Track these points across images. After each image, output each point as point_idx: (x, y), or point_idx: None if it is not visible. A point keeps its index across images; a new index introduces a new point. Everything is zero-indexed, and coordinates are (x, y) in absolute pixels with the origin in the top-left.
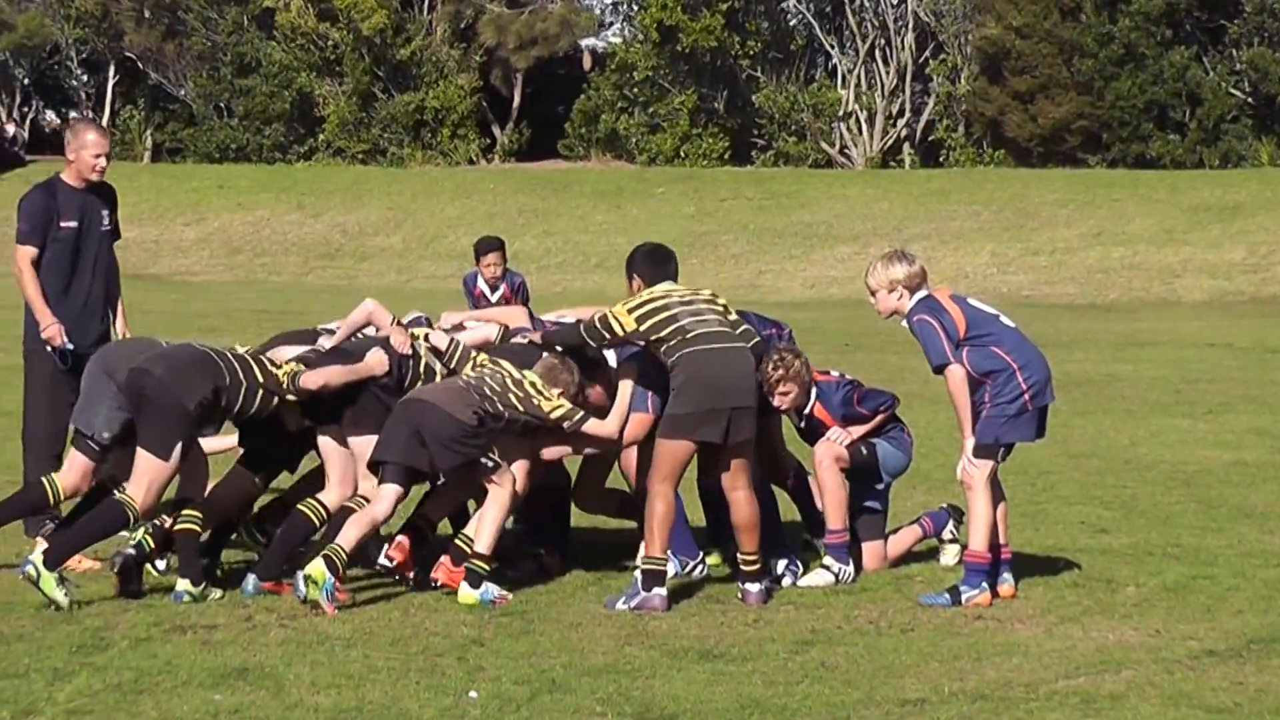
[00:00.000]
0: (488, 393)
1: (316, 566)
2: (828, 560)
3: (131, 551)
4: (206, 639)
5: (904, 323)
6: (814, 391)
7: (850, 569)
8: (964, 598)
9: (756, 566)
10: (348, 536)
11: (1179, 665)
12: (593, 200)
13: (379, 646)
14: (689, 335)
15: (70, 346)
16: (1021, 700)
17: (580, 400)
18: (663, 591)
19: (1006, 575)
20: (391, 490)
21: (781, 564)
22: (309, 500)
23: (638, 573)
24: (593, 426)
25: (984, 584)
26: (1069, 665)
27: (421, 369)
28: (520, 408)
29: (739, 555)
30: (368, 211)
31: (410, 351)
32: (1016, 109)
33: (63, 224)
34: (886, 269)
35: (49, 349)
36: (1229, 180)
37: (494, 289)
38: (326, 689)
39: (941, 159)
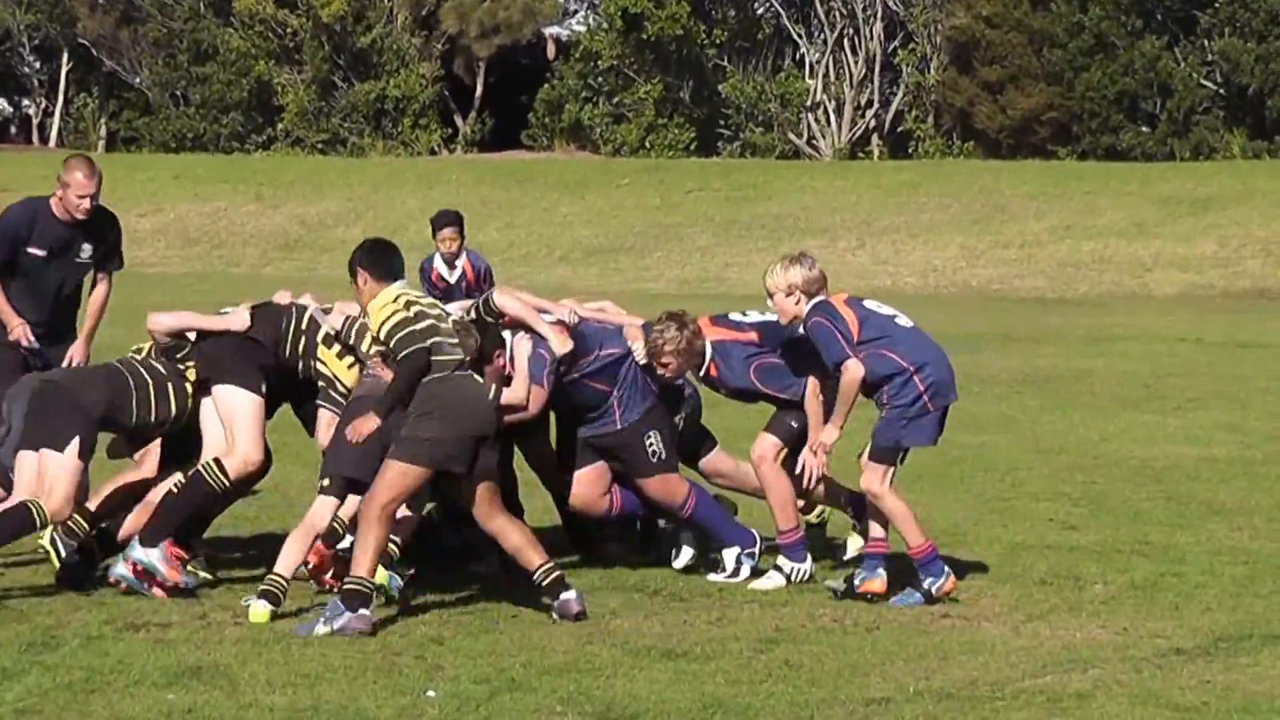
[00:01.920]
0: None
1: (258, 612)
2: (780, 560)
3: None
4: (160, 637)
5: (800, 328)
6: (709, 351)
7: (806, 566)
8: (933, 589)
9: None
10: (287, 561)
11: (1146, 663)
12: (557, 191)
13: (335, 645)
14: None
15: (37, 346)
16: (987, 699)
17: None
18: (367, 613)
19: (881, 570)
20: (329, 503)
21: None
22: (209, 462)
23: (337, 594)
24: (505, 395)
25: (944, 569)
26: (1035, 664)
27: (319, 337)
28: None
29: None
30: (328, 202)
31: (289, 306)
32: (986, 100)
33: (29, 249)
34: (785, 272)
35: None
36: (1200, 173)
37: (451, 265)
38: (282, 688)
39: (911, 150)
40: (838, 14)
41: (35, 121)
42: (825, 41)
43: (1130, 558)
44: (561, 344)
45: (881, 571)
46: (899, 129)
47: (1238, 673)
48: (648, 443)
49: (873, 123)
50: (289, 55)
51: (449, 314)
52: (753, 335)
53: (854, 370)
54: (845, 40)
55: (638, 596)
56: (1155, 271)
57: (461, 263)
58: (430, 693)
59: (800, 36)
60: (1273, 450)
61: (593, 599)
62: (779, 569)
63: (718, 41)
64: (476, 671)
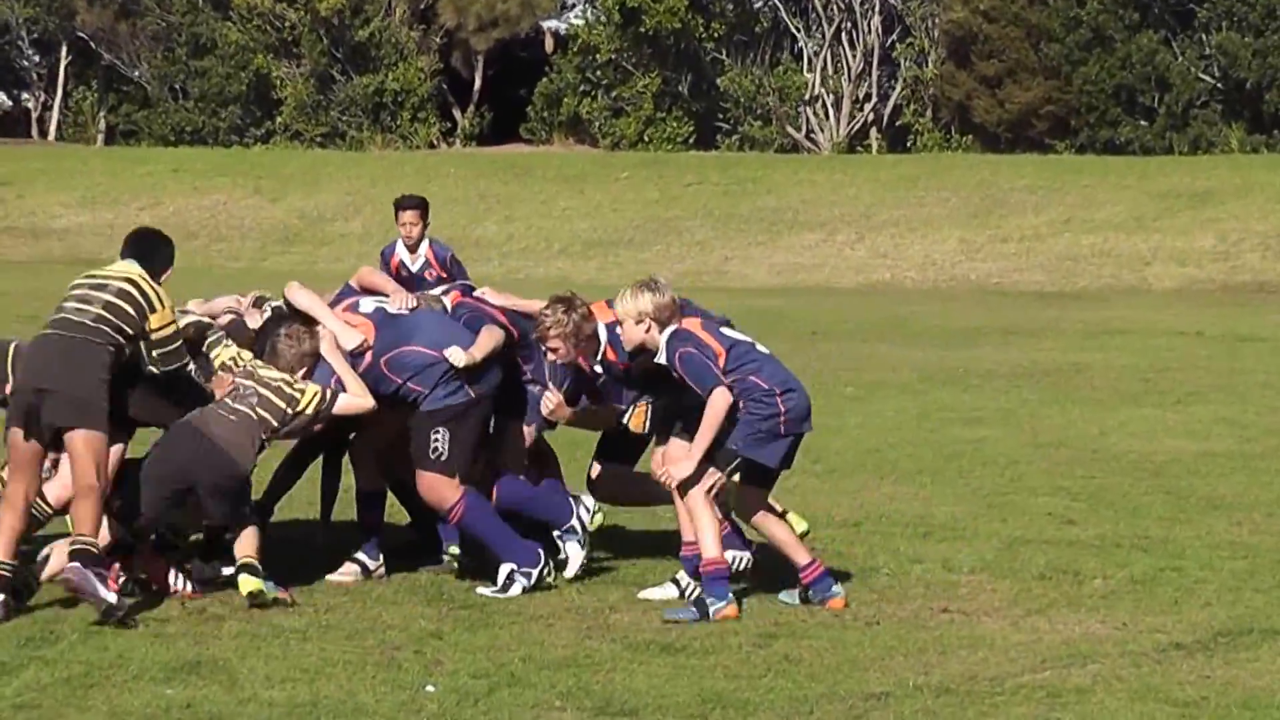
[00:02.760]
0: (260, 414)
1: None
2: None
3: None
4: (159, 632)
5: (659, 359)
6: (604, 334)
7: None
8: (712, 611)
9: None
10: (247, 546)
11: (1146, 658)
12: (556, 185)
13: (335, 640)
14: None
15: None
16: (986, 694)
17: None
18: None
19: (836, 589)
20: None
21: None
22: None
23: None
24: (345, 402)
25: (729, 594)
26: (1035, 658)
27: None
28: (287, 410)
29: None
30: (326, 196)
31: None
32: (984, 94)
33: None
34: (635, 299)
35: None
36: (1199, 166)
37: (413, 252)
38: (281, 683)
39: (909, 144)
40: (835, 7)
41: (34, 115)
42: (823, 35)
43: (1129, 552)
44: (350, 338)
45: (730, 595)
46: (897, 123)
47: (1237, 668)
48: (433, 437)
49: (871, 116)
50: (287, 48)
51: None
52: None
53: (723, 399)
54: (843, 34)
55: (637, 591)
56: (1154, 265)
57: (424, 250)
58: (429, 687)
59: (798, 30)
60: (1272, 444)
61: (592, 594)
62: (675, 581)
63: (716, 35)
64: (475, 666)
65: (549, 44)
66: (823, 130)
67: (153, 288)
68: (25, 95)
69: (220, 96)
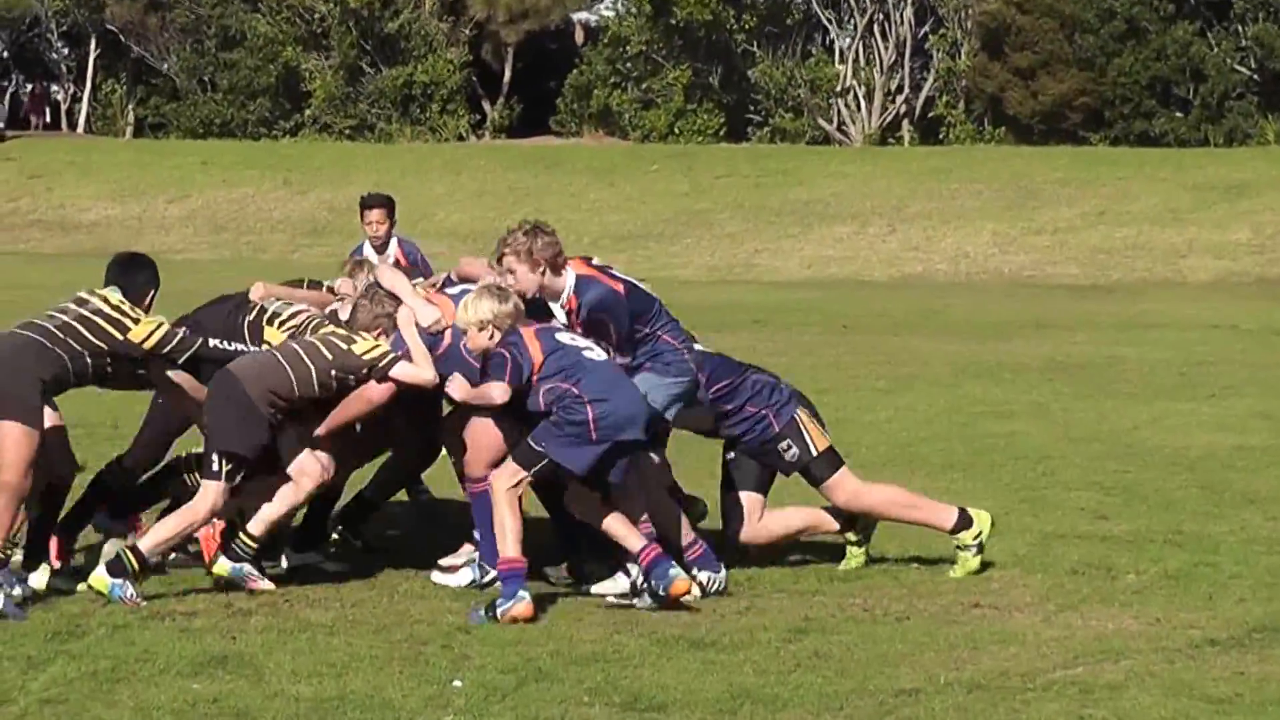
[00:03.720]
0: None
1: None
2: (699, 574)
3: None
4: (186, 626)
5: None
6: (570, 281)
7: (720, 575)
8: (500, 611)
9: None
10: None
11: (1179, 654)
12: (585, 178)
13: (362, 634)
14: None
15: None
16: (1018, 690)
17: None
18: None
19: (674, 572)
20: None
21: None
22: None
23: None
24: (404, 369)
25: (522, 593)
26: (1067, 654)
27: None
28: (339, 349)
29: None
30: (355, 188)
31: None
32: (1017, 85)
33: None
34: (476, 306)
35: None
36: (1234, 158)
37: (380, 252)
38: (308, 678)
39: (941, 136)
40: None
41: (63, 108)
42: (855, 27)
43: (1163, 547)
44: (427, 315)
45: (523, 594)
46: (930, 115)
47: (1272, 664)
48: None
49: (903, 108)
50: (316, 41)
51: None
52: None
53: (496, 394)
54: (875, 25)
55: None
56: (1189, 258)
57: (393, 250)
58: (457, 682)
59: (830, 22)
60: None
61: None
62: (627, 572)
63: (747, 27)
64: (503, 661)
65: (579, 36)
66: (854, 122)
67: (128, 308)
68: (55, 88)
69: (249, 89)
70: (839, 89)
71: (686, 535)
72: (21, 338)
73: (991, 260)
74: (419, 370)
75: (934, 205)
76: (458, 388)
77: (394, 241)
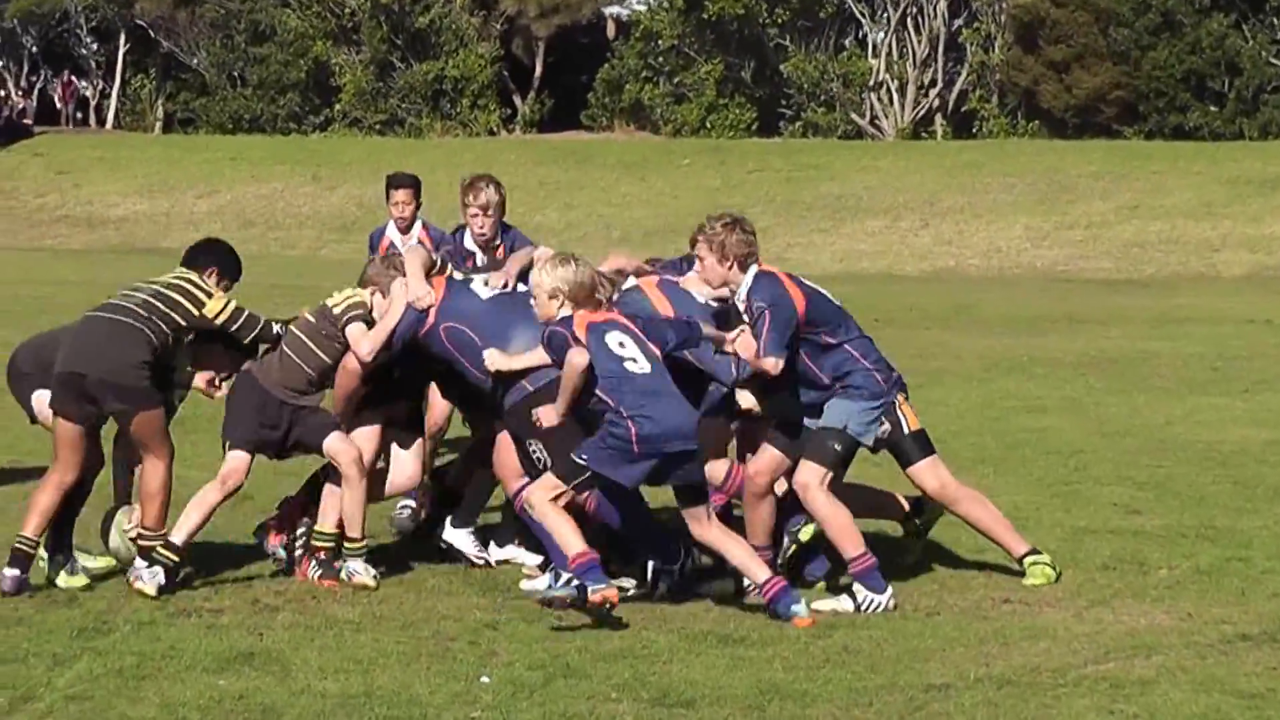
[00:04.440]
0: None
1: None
2: (856, 587)
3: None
4: (212, 623)
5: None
6: (750, 278)
7: (883, 598)
8: (590, 591)
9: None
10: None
11: (1211, 650)
12: (616, 172)
13: (389, 630)
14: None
15: None
16: (1049, 685)
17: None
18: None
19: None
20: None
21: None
22: None
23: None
24: (354, 331)
25: (605, 579)
26: (1098, 649)
27: None
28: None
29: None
30: (385, 184)
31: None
32: (1051, 79)
33: None
34: (551, 273)
35: None
36: (1269, 152)
37: (405, 233)
38: (334, 674)
39: (974, 130)
40: None
41: (93, 103)
42: (888, 20)
43: (1195, 542)
44: (416, 288)
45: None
46: (963, 108)
47: None
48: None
49: (936, 102)
50: (347, 35)
51: None
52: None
53: (577, 359)
54: (909, 19)
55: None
56: (1223, 252)
57: (417, 232)
58: (484, 678)
59: (863, 15)
60: None
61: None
62: (852, 595)
63: (779, 21)
64: (531, 657)
65: (610, 30)
66: (887, 116)
67: (201, 282)
68: (84, 83)
69: (279, 84)
70: (872, 83)
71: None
72: (107, 323)
73: (1024, 255)
74: (362, 336)
75: (966, 199)
76: (494, 358)
77: (418, 224)
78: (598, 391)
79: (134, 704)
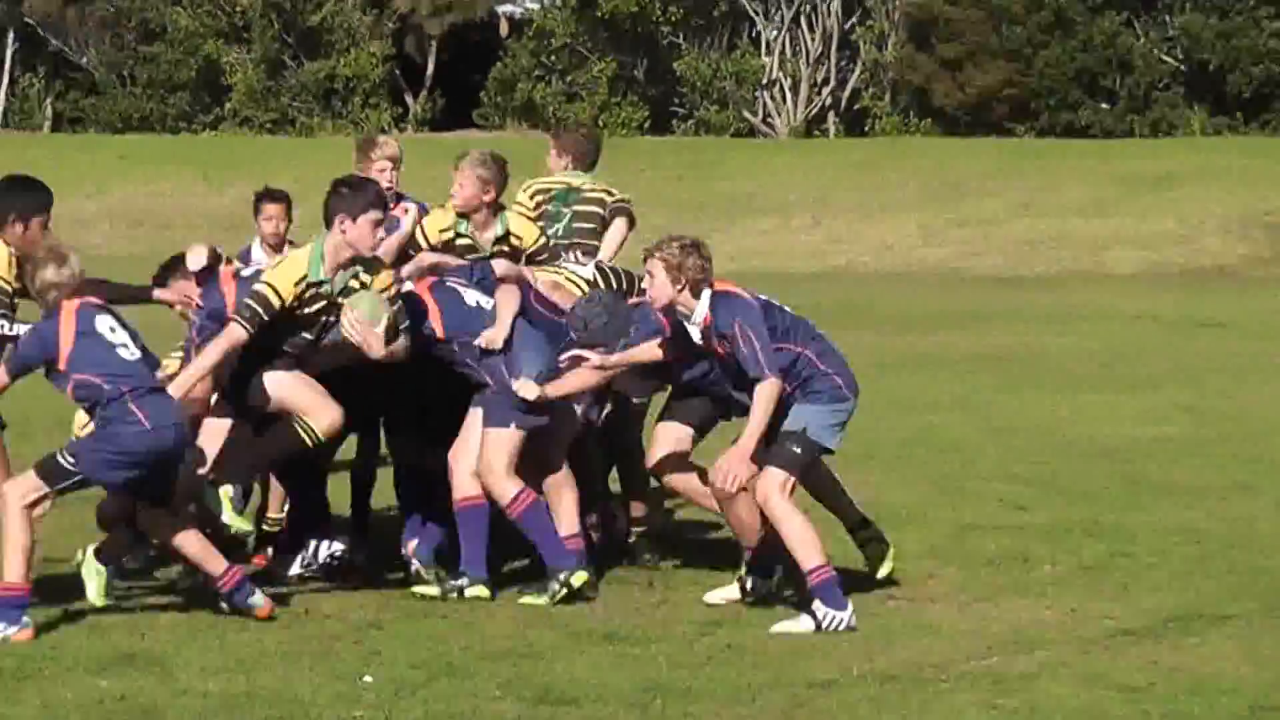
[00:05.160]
0: None
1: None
2: (816, 604)
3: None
4: (94, 624)
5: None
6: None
7: (844, 614)
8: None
9: None
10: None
11: (1094, 645)
12: (509, 171)
13: (271, 630)
14: None
15: None
16: (932, 681)
17: None
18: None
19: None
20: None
21: None
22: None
23: None
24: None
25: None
26: (981, 645)
27: None
28: None
29: None
30: (276, 183)
31: None
32: (944, 77)
33: None
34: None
35: None
36: (1160, 150)
37: (278, 251)
38: (216, 674)
39: (867, 128)
40: None
41: None
42: (782, 19)
43: (1080, 538)
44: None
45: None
46: (856, 107)
47: (1186, 653)
48: None
49: (829, 100)
50: (238, 34)
51: None
52: None
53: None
54: (802, 17)
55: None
56: (1113, 249)
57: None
58: (367, 678)
59: (757, 14)
60: (1227, 429)
61: (535, 583)
62: (812, 614)
63: (673, 19)
64: (414, 656)
65: (503, 28)
66: (780, 114)
67: None
68: None
69: (169, 83)
70: (765, 81)
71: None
72: None
73: (916, 252)
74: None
75: (859, 197)
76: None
77: (288, 245)
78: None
79: (13, 705)
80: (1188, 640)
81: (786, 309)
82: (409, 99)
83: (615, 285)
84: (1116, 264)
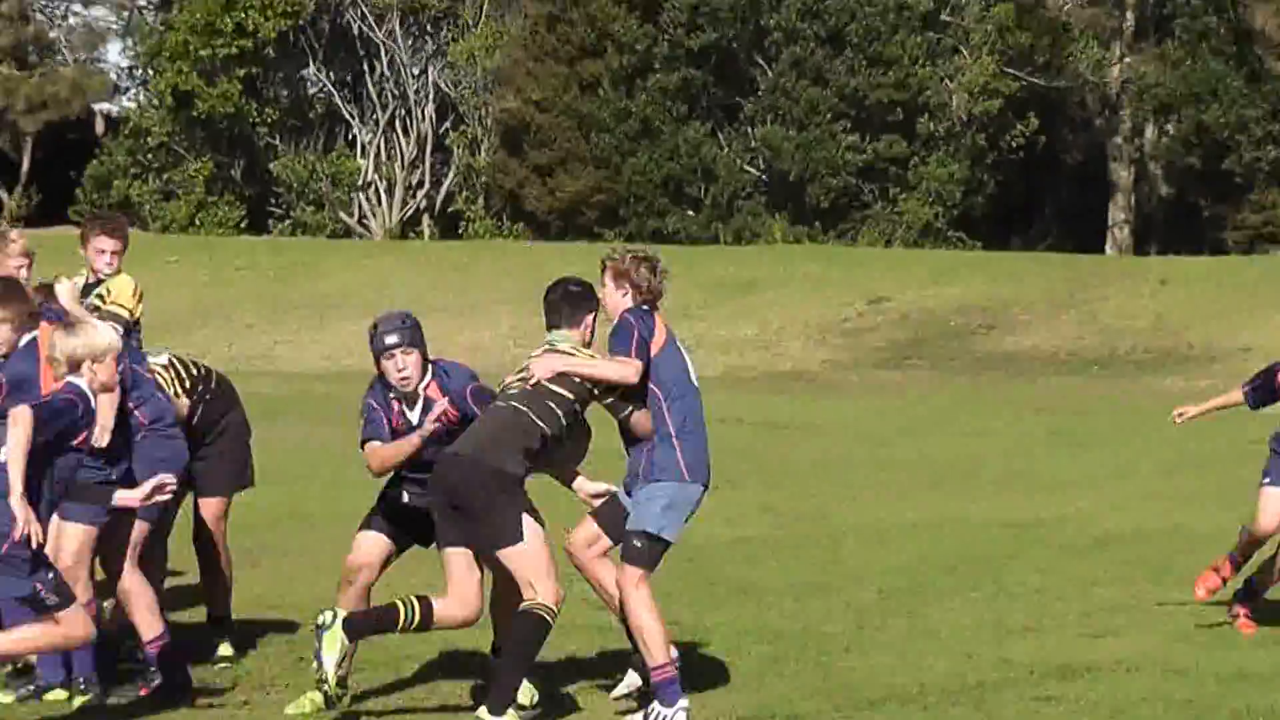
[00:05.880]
0: None
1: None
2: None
3: None
4: None
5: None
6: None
7: (670, 712)
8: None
9: None
10: None
11: None
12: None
13: None
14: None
15: None
16: None
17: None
18: None
19: None
20: None
21: None
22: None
23: None
24: None
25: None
26: None
27: None
28: None
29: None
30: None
31: None
32: (535, 182)
33: None
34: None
35: None
36: (743, 256)
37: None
38: None
39: (461, 231)
40: (390, 95)
41: None
42: (377, 122)
43: None
44: None
45: None
46: (450, 209)
47: None
48: None
49: (424, 203)
50: None
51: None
52: None
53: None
54: (397, 121)
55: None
56: (698, 353)
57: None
58: None
59: (353, 116)
60: (803, 530)
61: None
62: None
63: (269, 120)
64: None
65: (99, 126)
66: (375, 216)
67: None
68: None
69: None
70: (361, 183)
71: None
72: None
73: (508, 353)
74: None
75: (453, 298)
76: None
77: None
78: None
79: None
80: None
81: (690, 377)
82: (3, 194)
83: (192, 375)
84: (702, 368)
